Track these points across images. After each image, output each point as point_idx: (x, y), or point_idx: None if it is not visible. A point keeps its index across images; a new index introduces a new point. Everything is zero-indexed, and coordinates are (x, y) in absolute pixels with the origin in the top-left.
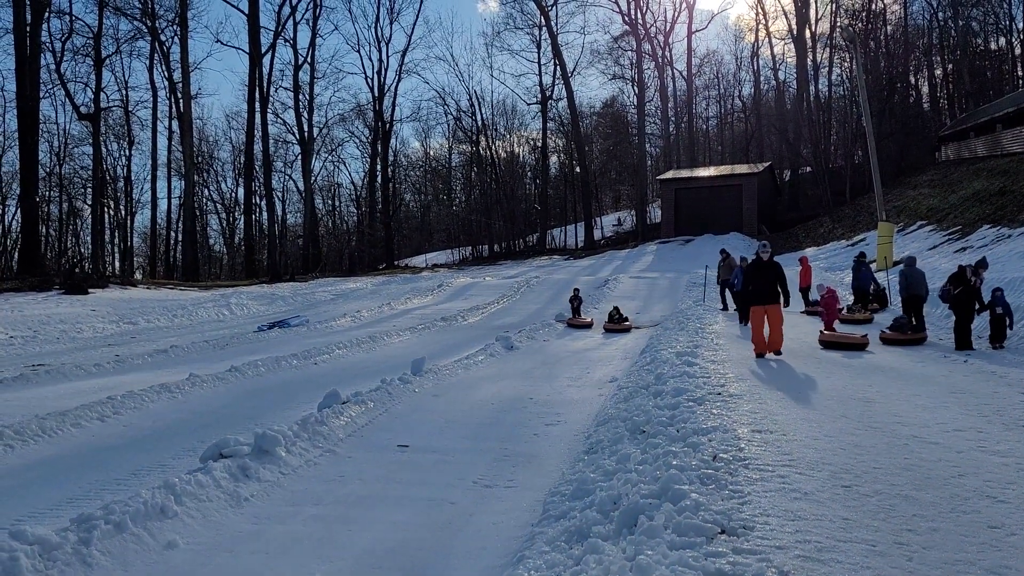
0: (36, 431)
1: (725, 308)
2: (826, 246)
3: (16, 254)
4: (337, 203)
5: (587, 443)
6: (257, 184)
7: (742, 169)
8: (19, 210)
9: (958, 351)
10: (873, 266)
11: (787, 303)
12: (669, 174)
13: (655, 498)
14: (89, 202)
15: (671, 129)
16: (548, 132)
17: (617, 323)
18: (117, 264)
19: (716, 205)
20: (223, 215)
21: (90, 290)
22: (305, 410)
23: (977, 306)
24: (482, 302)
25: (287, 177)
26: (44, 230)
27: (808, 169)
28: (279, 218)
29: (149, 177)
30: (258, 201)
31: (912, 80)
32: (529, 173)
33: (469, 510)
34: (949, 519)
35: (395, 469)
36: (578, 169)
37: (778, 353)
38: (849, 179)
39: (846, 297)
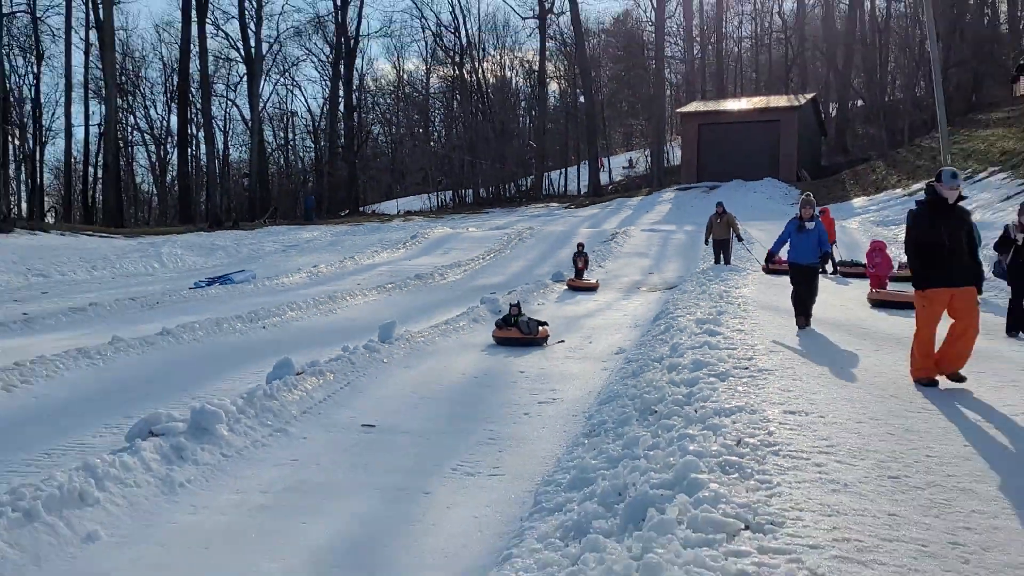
0: None
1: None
2: (878, 196)
3: None
4: (291, 136)
5: (588, 424)
6: (194, 111)
7: (780, 102)
8: None
9: (1008, 335)
10: None
11: (980, 288)
12: (692, 106)
13: (668, 488)
14: None
15: (696, 52)
16: (547, 54)
17: (507, 328)
18: (24, 205)
19: (748, 145)
20: (152, 148)
21: None
22: (251, 382)
23: None
24: (464, 257)
25: (230, 103)
26: None
27: (860, 103)
28: (220, 153)
29: (62, 100)
30: (195, 132)
31: None
32: (523, 104)
33: (447, 501)
34: (1013, 516)
35: (359, 453)
36: (582, 99)
37: (958, 378)
38: (909, 116)
39: (899, 255)
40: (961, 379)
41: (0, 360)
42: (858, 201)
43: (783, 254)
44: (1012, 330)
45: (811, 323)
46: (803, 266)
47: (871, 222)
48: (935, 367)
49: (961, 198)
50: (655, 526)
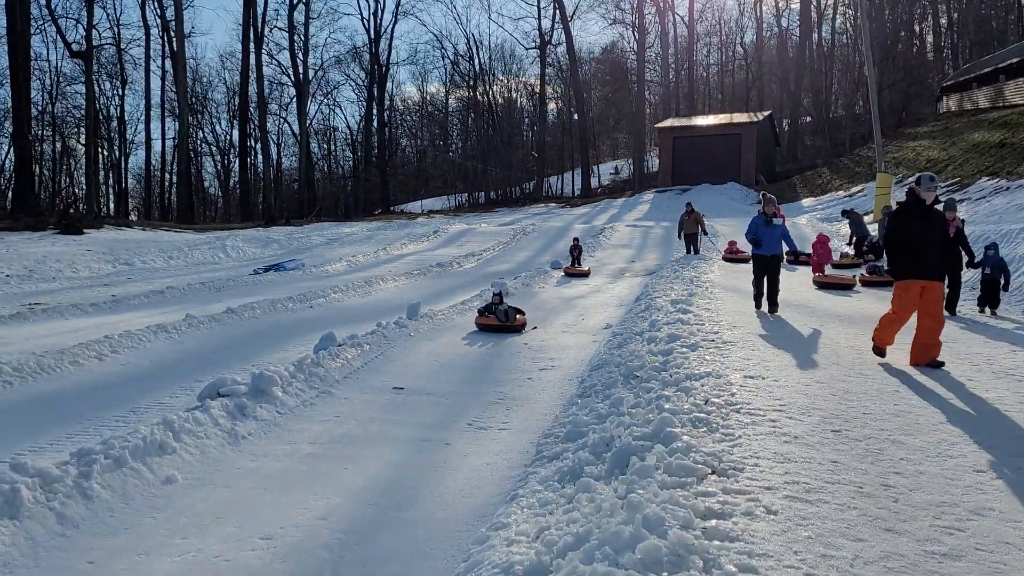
0: (34, 368)
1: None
2: (824, 197)
3: (9, 193)
4: (333, 147)
5: (581, 387)
6: (252, 127)
7: (741, 118)
8: (12, 149)
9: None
10: (868, 217)
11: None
12: (668, 122)
13: (647, 440)
14: (83, 142)
15: (671, 77)
16: (546, 78)
17: (487, 316)
18: (112, 205)
19: (714, 154)
20: (218, 158)
21: (85, 230)
22: (301, 352)
23: (966, 259)
24: (477, 249)
25: (282, 120)
26: (38, 169)
27: (808, 119)
28: (274, 162)
29: (143, 118)
30: (253, 144)
31: (916, 29)
32: (527, 120)
33: (463, 451)
34: (936, 463)
35: (390, 410)
36: (576, 116)
37: (936, 364)
38: (849, 129)
39: (840, 247)
40: (939, 365)
41: (94, 334)
42: (807, 201)
43: (742, 246)
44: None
45: (778, 308)
46: (767, 257)
47: (817, 219)
48: (890, 344)
49: (937, 201)
50: (637, 471)
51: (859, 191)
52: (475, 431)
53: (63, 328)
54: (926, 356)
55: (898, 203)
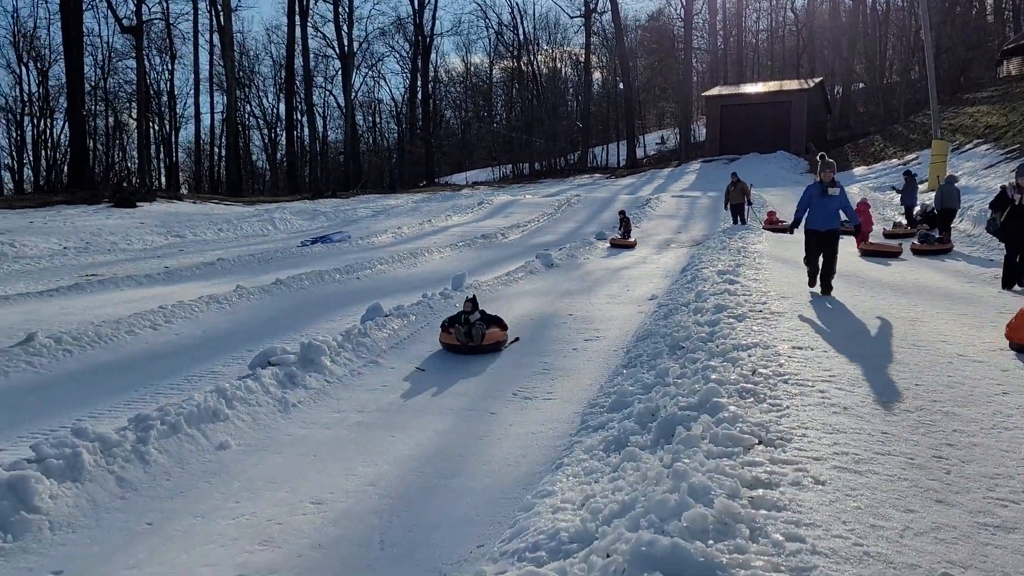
0: (93, 337)
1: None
2: (876, 165)
3: (66, 168)
4: (377, 120)
5: (626, 358)
6: (298, 100)
7: (791, 85)
8: (67, 124)
9: (1003, 288)
10: (923, 185)
11: None
12: (715, 90)
13: (693, 410)
14: (134, 116)
15: (719, 43)
16: (591, 47)
17: (447, 332)
18: (163, 179)
19: (763, 123)
20: (265, 131)
21: (138, 203)
22: (348, 322)
23: None
24: (522, 220)
25: (328, 93)
26: (92, 144)
27: (861, 85)
28: (320, 134)
29: (192, 92)
30: (299, 117)
31: None
32: (571, 90)
33: (508, 420)
34: (990, 435)
35: (436, 380)
36: (621, 86)
37: None
38: (904, 96)
39: (894, 217)
40: None
41: (148, 304)
42: (858, 170)
43: (783, 215)
44: (1008, 283)
45: (831, 291)
46: (821, 232)
47: (869, 187)
48: None
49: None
50: (683, 440)
51: (913, 159)
52: (520, 401)
53: (119, 299)
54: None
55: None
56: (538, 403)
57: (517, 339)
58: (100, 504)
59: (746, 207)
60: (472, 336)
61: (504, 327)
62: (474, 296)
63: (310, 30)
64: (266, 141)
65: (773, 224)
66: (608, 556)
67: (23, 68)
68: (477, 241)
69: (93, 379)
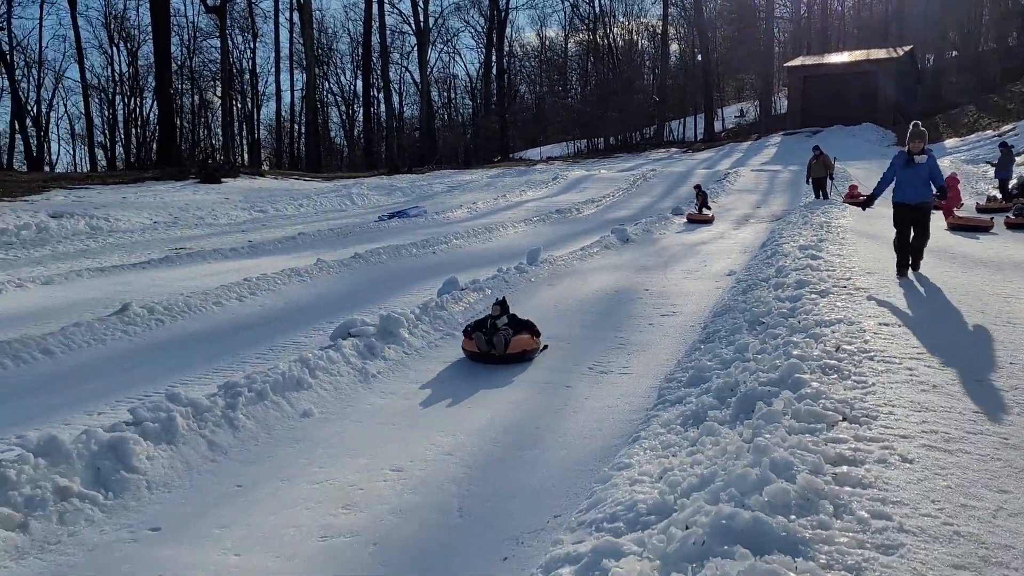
0: (183, 308)
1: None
2: (970, 137)
3: (155, 145)
4: (452, 95)
5: (703, 333)
6: (375, 76)
7: (879, 54)
8: (155, 103)
9: None
10: (1020, 158)
11: None
12: (797, 61)
13: (774, 386)
14: (218, 94)
15: (802, 12)
16: (669, 18)
17: (470, 338)
18: (245, 155)
19: (848, 94)
20: (343, 108)
21: (222, 180)
22: (425, 296)
23: None
24: (596, 195)
25: (404, 69)
26: (179, 122)
27: (954, 54)
28: (396, 110)
29: (273, 70)
30: (376, 93)
31: None
32: (647, 63)
33: (584, 394)
34: None
35: None
36: (700, 57)
37: None
38: (1000, 64)
39: (987, 191)
40: None
41: (233, 277)
42: (950, 142)
43: (863, 190)
44: None
45: (919, 268)
46: (911, 205)
47: (961, 160)
48: None
49: None
50: (763, 416)
51: (1010, 130)
52: (596, 375)
53: (206, 271)
54: None
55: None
56: (613, 377)
57: (546, 347)
58: (193, 466)
59: (828, 181)
60: (494, 344)
61: (536, 333)
62: (503, 299)
63: (387, 7)
64: (344, 118)
65: (855, 198)
66: (687, 528)
67: (114, 49)
68: (552, 216)
69: (183, 347)
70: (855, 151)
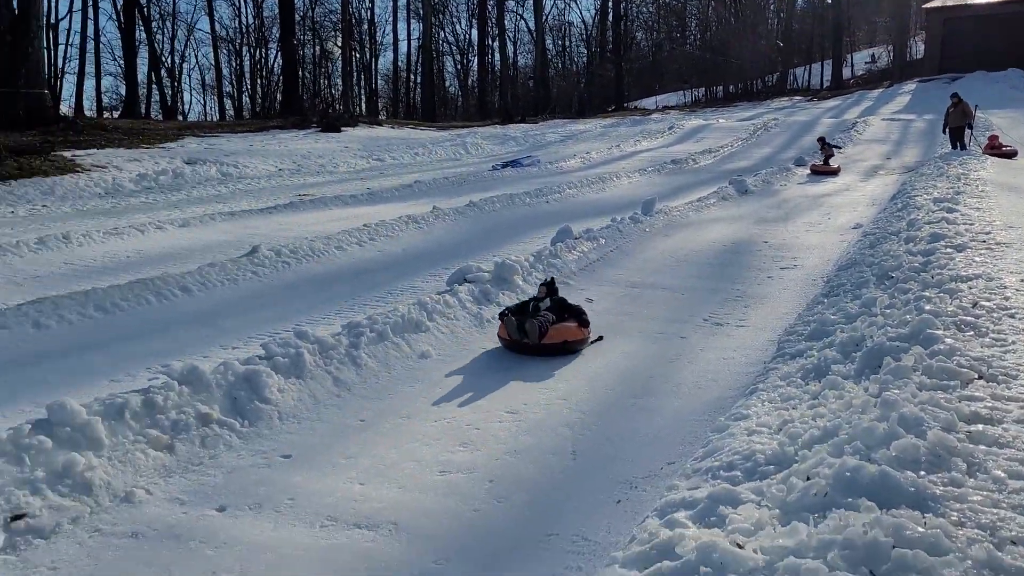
0: (307, 251)
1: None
2: None
3: (279, 95)
4: (567, 44)
5: (827, 287)
6: (490, 25)
7: None
8: (279, 53)
9: None
10: None
11: None
12: (938, 1)
13: (903, 341)
14: (339, 44)
15: None
16: None
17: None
18: (363, 105)
19: (993, 37)
20: (457, 57)
21: (342, 128)
22: (539, 244)
23: None
24: (714, 145)
25: (519, 17)
26: (301, 72)
27: None
28: (510, 59)
29: (391, 20)
30: (490, 43)
31: None
32: (772, 6)
33: (699, 345)
34: None
35: (626, 303)
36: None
37: None
38: None
39: None
40: None
41: (354, 223)
42: None
43: (1005, 141)
44: None
45: None
46: None
47: None
48: None
49: None
50: (891, 371)
51: None
52: (711, 326)
53: (328, 217)
54: None
55: None
56: (730, 329)
57: (601, 338)
58: (320, 400)
59: (967, 131)
60: (527, 332)
61: (584, 323)
62: (551, 279)
63: None
64: (458, 67)
65: (996, 149)
66: (808, 479)
67: (241, 0)
68: (667, 166)
69: (308, 288)
70: (998, 99)
